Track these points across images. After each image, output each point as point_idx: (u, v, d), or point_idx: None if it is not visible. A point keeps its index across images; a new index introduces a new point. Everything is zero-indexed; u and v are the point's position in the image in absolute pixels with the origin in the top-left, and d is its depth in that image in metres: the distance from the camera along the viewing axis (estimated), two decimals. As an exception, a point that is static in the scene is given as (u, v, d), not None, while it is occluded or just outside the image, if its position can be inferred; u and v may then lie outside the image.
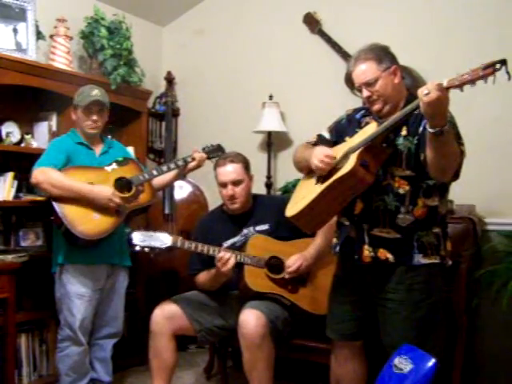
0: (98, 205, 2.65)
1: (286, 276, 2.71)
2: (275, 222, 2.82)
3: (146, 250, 2.61)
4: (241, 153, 2.93)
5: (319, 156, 2.16)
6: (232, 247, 2.80)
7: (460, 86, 1.70)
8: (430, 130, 1.82)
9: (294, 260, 2.70)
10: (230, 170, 2.81)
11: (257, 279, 2.70)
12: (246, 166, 2.87)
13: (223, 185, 2.82)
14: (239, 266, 2.70)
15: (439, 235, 2.15)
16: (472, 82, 1.67)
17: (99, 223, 2.67)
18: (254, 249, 2.74)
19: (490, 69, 1.63)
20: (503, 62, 1.63)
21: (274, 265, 2.74)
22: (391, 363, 1.97)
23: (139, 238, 2.60)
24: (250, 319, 2.52)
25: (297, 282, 2.75)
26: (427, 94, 1.74)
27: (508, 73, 1.64)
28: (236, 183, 2.80)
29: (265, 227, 2.85)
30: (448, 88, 1.73)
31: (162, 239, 2.62)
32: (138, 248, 2.61)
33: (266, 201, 2.98)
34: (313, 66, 3.77)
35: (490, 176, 3.13)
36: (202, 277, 2.83)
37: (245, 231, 2.85)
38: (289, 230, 2.71)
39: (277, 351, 2.61)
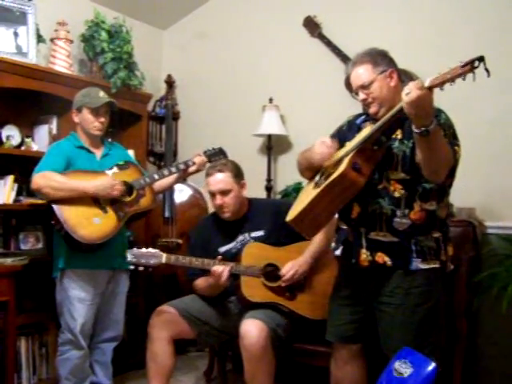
0: (102, 197, 2.65)
1: (282, 284, 2.70)
2: (270, 227, 2.80)
3: (141, 268, 2.60)
4: (232, 160, 2.90)
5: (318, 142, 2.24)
6: (227, 253, 2.78)
7: (441, 85, 1.71)
8: (416, 130, 1.83)
9: (289, 268, 2.68)
10: (218, 180, 2.77)
11: (253, 290, 2.68)
12: (236, 174, 2.82)
13: (212, 194, 2.80)
14: (235, 276, 2.68)
15: (439, 239, 2.14)
16: (452, 79, 1.68)
17: (100, 227, 2.67)
18: (249, 257, 2.71)
19: (468, 66, 1.64)
20: (481, 59, 1.63)
21: (271, 273, 2.72)
22: (391, 367, 1.97)
23: (133, 257, 2.58)
24: (253, 331, 2.50)
25: (294, 288, 2.73)
26: (408, 94, 1.75)
27: (487, 69, 1.63)
28: (224, 193, 2.75)
29: (260, 233, 2.82)
30: (430, 87, 1.73)
31: (156, 257, 2.60)
32: (132, 267, 2.61)
33: (262, 206, 2.93)
34: (313, 69, 3.78)
35: (489, 179, 3.13)
36: (200, 283, 2.80)
37: (240, 237, 2.83)
38: (285, 234, 2.70)
39: (277, 356, 2.59)
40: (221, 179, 2.77)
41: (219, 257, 2.68)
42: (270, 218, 2.81)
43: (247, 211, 2.88)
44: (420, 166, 2.00)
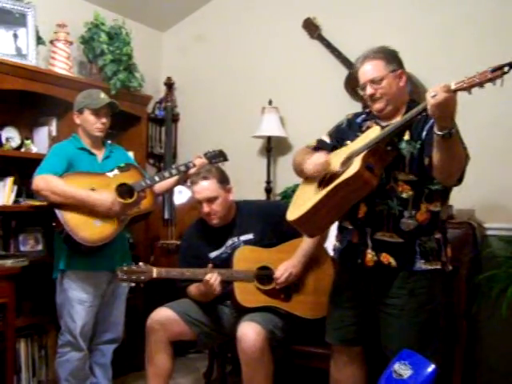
0: (99, 212, 2.64)
1: (277, 287, 2.68)
2: (260, 229, 2.78)
3: (133, 284, 2.57)
4: (216, 166, 2.88)
5: (315, 161, 2.19)
6: (218, 258, 2.77)
7: (468, 89, 1.70)
8: (438, 132, 1.82)
9: (283, 270, 2.66)
10: (204, 188, 2.73)
11: (248, 295, 2.65)
12: (221, 179, 2.77)
13: (199, 202, 2.77)
14: (228, 282, 2.65)
15: (440, 240, 2.15)
16: (480, 84, 1.68)
17: (101, 230, 2.66)
18: (240, 262, 2.69)
19: (499, 71, 1.64)
20: (511, 65, 1.63)
21: (264, 275, 2.70)
22: (391, 369, 1.97)
23: (123, 275, 2.53)
24: (250, 334, 2.49)
25: (289, 289, 2.71)
26: (434, 96, 1.74)
27: None
28: (211, 200, 2.72)
29: (249, 236, 2.79)
30: (456, 90, 1.73)
31: (147, 271, 2.56)
32: (124, 284, 2.58)
33: (249, 208, 2.89)
34: (312, 70, 3.78)
35: (489, 181, 3.13)
36: (193, 290, 2.76)
37: (229, 242, 2.80)
38: (274, 235, 2.70)
39: (276, 359, 2.58)
40: (206, 187, 2.73)
41: (210, 265, 2.65)
42: (258, 220, 2.79)
43: (235, 215, 2.85)
44: (430, 169, 1.99)
